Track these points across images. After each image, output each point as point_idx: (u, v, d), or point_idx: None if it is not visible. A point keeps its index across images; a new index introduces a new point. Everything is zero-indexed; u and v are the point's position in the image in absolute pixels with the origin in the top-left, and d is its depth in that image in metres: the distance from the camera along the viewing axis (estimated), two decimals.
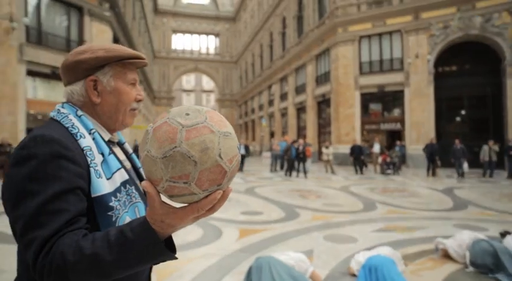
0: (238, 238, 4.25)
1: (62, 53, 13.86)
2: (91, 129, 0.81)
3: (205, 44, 41.80)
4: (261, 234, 4.42)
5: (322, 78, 20.07)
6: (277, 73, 27.42)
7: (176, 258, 0.67)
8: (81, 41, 14.88)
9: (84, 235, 0.66)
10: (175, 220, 0.60)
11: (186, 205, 0.60)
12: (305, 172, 11.86)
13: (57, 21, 14.19)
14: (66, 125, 0.78)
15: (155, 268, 3.26)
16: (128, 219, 0.77)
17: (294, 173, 12.66)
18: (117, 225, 0.74)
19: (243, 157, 14.56)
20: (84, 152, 0.75)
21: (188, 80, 51.26)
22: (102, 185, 0.74)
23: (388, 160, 12.80)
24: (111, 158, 0.80)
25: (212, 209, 0.61)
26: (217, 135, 0.57)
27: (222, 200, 0.61)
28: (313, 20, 20.89)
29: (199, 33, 41.28)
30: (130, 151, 1.00)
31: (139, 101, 0.91)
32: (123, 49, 0.86)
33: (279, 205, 6.57)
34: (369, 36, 17.39)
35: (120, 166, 0.82)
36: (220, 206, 0.62)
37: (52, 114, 0.83)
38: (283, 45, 27.09)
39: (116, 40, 18.31)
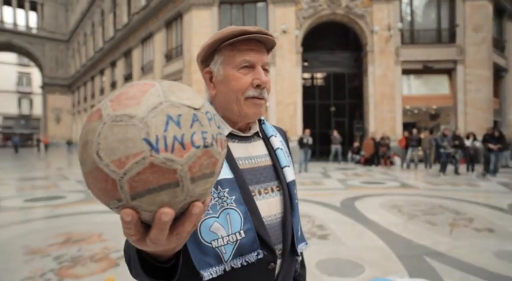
0: None
1: (432, 46, 13.92)
2: None
3: None
4: None
5: None
6: None
7: None
8: (452, 27, 14.09)
9: None
10: None
11: None
12: None
13: (427, 16, 14.39)
14: None
15: None
16: (216, 226, 0.68)
17: None
18: (198, 229, 0.68)
19: None
20: None
21: None
22: None
23: None
24: None
25: (151, 238, 0.40)
26: (103, 121, 0.37)
27: (155, 229, 0.39)
28: None
29: None
30: (277, 145, 0.86)
31: (257, 86, 0.76)
32: (228, 29, 0.75)
33: None
34: None
35: None
36: (157, 237, 0.40)
37: None
38: None
39: (499, 11, 15.57)
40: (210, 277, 0.67)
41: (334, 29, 14.79)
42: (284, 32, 13.54)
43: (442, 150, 10.09)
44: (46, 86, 35.25)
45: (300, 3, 13.88)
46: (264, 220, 0.75)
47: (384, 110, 13.71)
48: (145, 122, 0.36)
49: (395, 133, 13.57)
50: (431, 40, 14.06)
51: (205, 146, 0.39)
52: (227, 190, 0.70)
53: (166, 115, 0.37)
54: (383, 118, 13.73)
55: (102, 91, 26.33)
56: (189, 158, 0.37)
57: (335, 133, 13.55)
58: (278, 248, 0.77)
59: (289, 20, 13.78)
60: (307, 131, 11.22)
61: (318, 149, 15.19)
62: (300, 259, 0.83)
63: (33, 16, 35.73)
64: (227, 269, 0.69)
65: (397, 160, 12.93)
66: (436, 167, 11.41)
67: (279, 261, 0.76)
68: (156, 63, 17.64)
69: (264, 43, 0.79)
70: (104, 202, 0.39)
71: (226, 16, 14.60)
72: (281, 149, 0.86)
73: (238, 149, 0.80)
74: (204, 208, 0.43)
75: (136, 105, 0.37)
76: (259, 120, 0.90)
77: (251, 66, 0.77)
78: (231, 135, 0.81)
